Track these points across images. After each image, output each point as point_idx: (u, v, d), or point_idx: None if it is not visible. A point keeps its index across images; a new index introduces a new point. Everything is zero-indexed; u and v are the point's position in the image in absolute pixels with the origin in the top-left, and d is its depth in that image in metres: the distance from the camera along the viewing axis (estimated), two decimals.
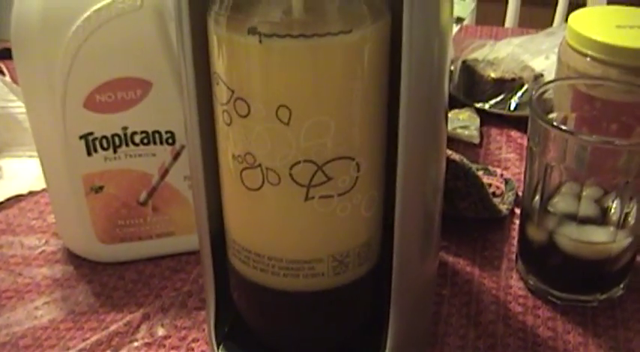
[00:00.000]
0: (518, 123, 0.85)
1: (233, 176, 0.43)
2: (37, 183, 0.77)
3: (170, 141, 0.60)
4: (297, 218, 0.43)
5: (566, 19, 0.72)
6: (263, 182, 0.42)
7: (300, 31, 0.37)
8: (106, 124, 0.59)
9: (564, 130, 0.55)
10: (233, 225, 0.46)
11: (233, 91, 0.40)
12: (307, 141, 0.40)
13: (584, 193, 0.57)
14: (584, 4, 1.28)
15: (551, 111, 0.60)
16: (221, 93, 0.41)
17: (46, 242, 0.69)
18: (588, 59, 0.67)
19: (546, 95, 0.59)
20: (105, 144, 0.59)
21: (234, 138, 0.42)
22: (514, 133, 0.84)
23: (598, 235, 0.58)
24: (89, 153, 0.60)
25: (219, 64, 0.41)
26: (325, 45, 0.38)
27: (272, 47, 0.38)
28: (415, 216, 0.45)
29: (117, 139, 0.59)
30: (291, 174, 0.41)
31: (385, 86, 0.42)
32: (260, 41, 0.38)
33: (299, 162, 0.40)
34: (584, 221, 0.58)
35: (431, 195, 0.47)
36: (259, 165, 0.41)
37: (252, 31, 0.38)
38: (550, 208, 0.59)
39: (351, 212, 0.43)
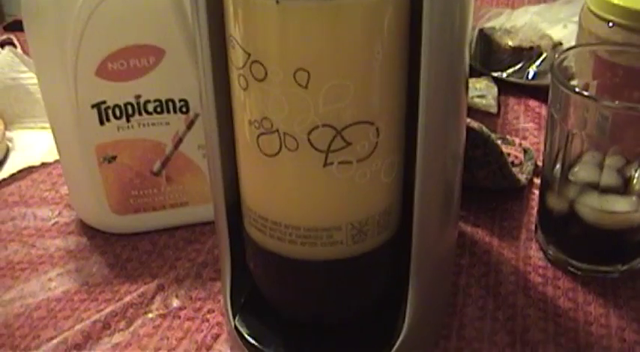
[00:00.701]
0: (536, 92, 0.84)
1: (249, 142, 0.42)
2: (50, 154, 0.77)
3: (184, 109, 0.59)
4: (315, 184, 0.42)
5: None
6: (280, 148, 0.40)
7: None
8: (118, 93, 0.58)
9: (586, 96, 0.54)
10: (249, 192, 0.45)
11: (249, 54, 0.39)
12: (326, 105, 0.39)
13: (606, 162, 0.56)
14: None
15: (572, 79, 0.59)
16: (237, 57, 0.40)
17: (59, 213, 0.69)
18: (610, 24, 0.65)
19: (567, 62, 0.58)
20: (117, 113, 0.58)
21: (250, 103, 0.41)
22: (532, 102, 0.83)
23: (620, 204, 0.57)
24: (102, 123, 0.59)
25: (234, 27, 0.40)
26: (345, 6, 0.37)
27: (290, 8, 0.37)
28: (435, 183, 0.44)
29: (130, 108, 0.58)
30: (309, 139, 0.40)
31: (405, 51, 0.41)
32: (277, 2, 0.37)
33: (317, 127, 0.39)
34: (606, 190, 0.57)
35: (451, 163, 0.46)
36: (276, 131, 0.40)
37: None
38: (571, 177, 0.58)
39: (370, 178, 0.42)
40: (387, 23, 0.39)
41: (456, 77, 0.43)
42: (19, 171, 0.75)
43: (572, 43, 0.82)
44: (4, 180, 0.74)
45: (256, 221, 0.45)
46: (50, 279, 0.61)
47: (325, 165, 0.41)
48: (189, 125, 0.60)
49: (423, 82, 0.40)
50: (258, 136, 0.41)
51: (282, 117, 0.40)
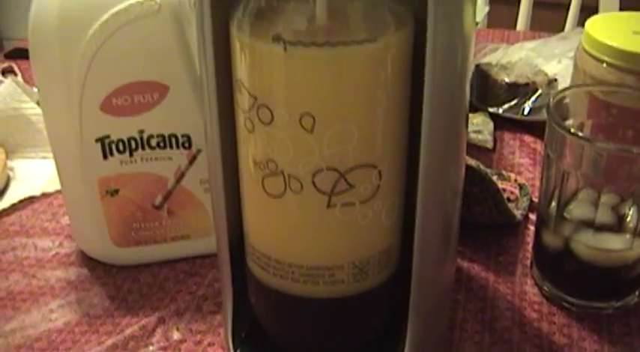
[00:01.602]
0: (531, 127, 0.85)
1: (254, 182, 0.43)
2: (50, 184, 0.77)
3: (186, 144, 0.60)
4: (318, 225, 0.43)
5: (579, 22, 0.72)
6: (285, 189, 0.41)
7: (325, 40, 0.37)
8: (122, 127, 0.59)
9: (581, 137, 0.55)
10: (253, 231, 0.46)
11: (256, 98, 0.40)
12: (330, 148, 0.40)
13: (601, 200, 0.57)
14: (596, 7, 1.27)
15: (567, 117, 0.60)
16: (243, 100, 0.41)
17: (60, 244, 0.69)
18: (604, 65, 0.67)
19: (562, 102, 0.59)
20: (121, 148, 0.59)
21: (256, 145, 0.42)
22: (527, 138, 0.84)
23: (614, 242, 0.58)
24: (105, 157, 0.60)
25: (241, 71, 0.41)
26: (350, 53, 0.38)
27: (297, 55, 0.38)
28: (435, 221, 0.45)
29: (133, 142, 0.59)
30: (313, 182, 0.41)
31: (407, 93, 0.42)
32: (285, 49, 0.38)
33: (322, 170, 0.40)
34: (601, 228, 0.58)
35: (450, 201, 0.47)
36: (281, 172, 0.41)
37: (277, 38, 0.38)
38: (566, 214, 0.59)
39: (372, 219, 0.43)
40: (390, 68, 0.40)
41: (457, 115, 0.44)
42: (20, 201, 0.76)
43: (567, 78, 0.83)
44: (5, 209, 0.75)
45: (259, 259, 0.46)
46: (51, 310, 0.61)
47: (328, 206, 0.41)
48: (192, 160, 0.61)
49: (425, 122, 0.40)
50: (263, 177, 0.42)
51: (288, 159, 0.41)
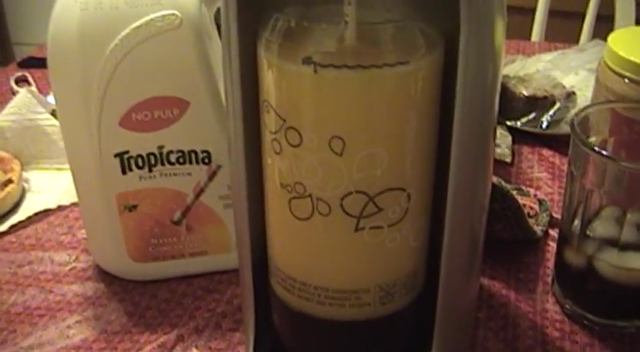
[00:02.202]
0: (549, 141, 0.85)
1: (281, 204, 0.42)
2: (66, 197, 0.77)
3: (206, 160, 0.60)
4: (346, 248, 0.42)
5: (595, 32, 0.71)
6: (313, 212, 0.41)
7: (356, 62, 0.37)
8: (141, 143, 0.58)
9: (605, 156, 0.54)
10: (278, 252, 0.45)
11: (285, 120, 0.40)
12: (360, 172, 0.39)
13: (626, 218, 0.56)
14: (612, 16, 1.26)
15: (590, 134, 0.59)
16: (270, 122, 0.41)
17: (77, 258, 0.69)
18: (626, 80, 0.66)
19: (585, 119, 0.58)
20: (140, 163, 0.59)
21: (283, 167, 0.41)
22: (546, 152, 0.84)
23: (638, 261, 0.57)
24: (124, 172, 0.59)
25: (269, 92, 0.40)
26: (382, 75, 0.37)
27: (327, 77, 0.37)
28: (463, 240, 0.45)
29: (152, 158, 0.59)
30: (342, 205, 0.40)
31: (437, 113, 0.41)
32: (315, 71, 0.37)
33: (350, 193, 0.40)
34: (625, 247, 0.57)
35: (478, 218, 0.46)
36: (309, 195, 0.41)
37: (307, 60, 0.37)
38: (589, 232, 0.58)
39: (400, 242, 0.42)
40: (420, 90, 0.39)
41: (487, 131, 0.43)
42: (36, 214, 0.75)
43: (584, 91, 0.83)
44: (21, 222, 0.74)
45: (284, 281, 0.45)
46: (69, 327, 0.61)
47: (357, 230, 0.41)
48: (211, 176, 0.60)
49: (455, 140, 0.40)
50: (290, 200, 0.42)
51: (316, 182, 0.40)
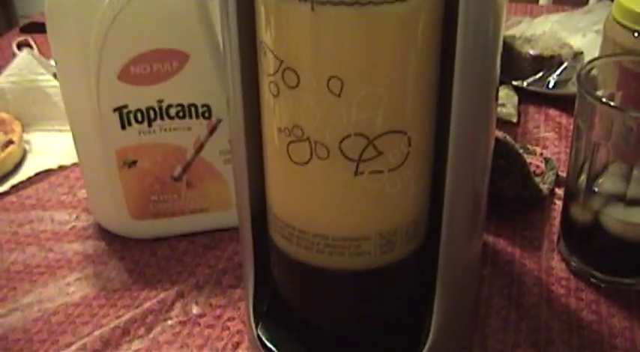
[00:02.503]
0: (556, 101, 0.83)
1: (278, 150, 0.42)
2: (67, 157, 0.76)
3: (206, 114, 0.59)
4: (345, 194, 0.41)
5: None
6: (311, 156, 0.40)
7: None
8: (140, 97, 0.57)
9: (613, 106, 0.53)
10: (277, 200, 0.45)
11: (282, 61, 0.38)
12: (359, 113, 0.38)
13: (633, 173, 0.55)
14: None
15: (597, 88, 0.58)
16: (268, 64, 0.40)
17: (77, 217, 0.68)
18: (635, 34, 0.65)
19: (592, 72, 0.57)
20: (139, 118, 0.58)
21: (280, 111, 0.40)
22: (552, 112, 0.82)
23: None
24: (123, 127, 0.58)
25: (266, 33, 0.39)
26: (380, 13, 0.36)
27: (325, 15, 0.36)
28: (464, 193, 0.44)
29: (152, 112, 0.58)
30: (340, 148, 0.39)
31: (438, 58, 0.40)
32: (312, 8, 0.36)
33: (349, 136, 0.39)
34: (632, 202, 0.56)
35: (480, 172, 0.45)
36: (307, 139, 0.40)
37: None
38: (596, 188, 0.58)
39: (400, 188, 0.41)
40: (421, 30, 0.38)
41: (488, 85, 0.42)
42: (37, 174, 0.75)
43: (592, 52, 0.81)
44: (22, 182, 0.74)
45: (283, 229, 0.44)
46: (68, 284, 0.60)
47: (356, 174, 0.40)
48: (212, 130, 0.59)
49: (456, 90, 0.39)
50: (288, 144, 0.41)
51: (314, 125, 0.39)
